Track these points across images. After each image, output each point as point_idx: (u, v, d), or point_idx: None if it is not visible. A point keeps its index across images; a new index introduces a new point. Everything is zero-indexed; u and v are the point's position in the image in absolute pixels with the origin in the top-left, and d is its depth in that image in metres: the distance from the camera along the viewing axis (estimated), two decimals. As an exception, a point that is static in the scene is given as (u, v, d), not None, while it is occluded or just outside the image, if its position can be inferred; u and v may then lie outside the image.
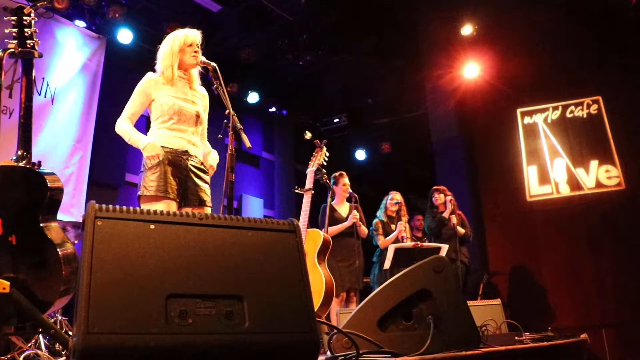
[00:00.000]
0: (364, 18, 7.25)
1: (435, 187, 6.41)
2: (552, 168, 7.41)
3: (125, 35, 6.87)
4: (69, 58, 6.50)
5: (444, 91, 8.09)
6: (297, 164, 9.52)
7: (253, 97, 8.34)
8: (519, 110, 7.82)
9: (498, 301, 4.63)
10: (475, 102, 7.99)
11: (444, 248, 5.33)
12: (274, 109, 9.09)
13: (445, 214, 6.13)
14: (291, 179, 9.25)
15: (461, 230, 6.07)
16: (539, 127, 7.63)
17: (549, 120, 7.58)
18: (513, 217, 7.58)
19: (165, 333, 1.44)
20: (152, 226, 1.57)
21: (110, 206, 1.58)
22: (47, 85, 6.21)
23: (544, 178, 7.45)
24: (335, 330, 2.15)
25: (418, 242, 5.40)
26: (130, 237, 1.54)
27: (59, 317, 4.39)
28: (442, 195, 6.29)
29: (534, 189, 7.50)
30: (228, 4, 6.85)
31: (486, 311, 4.33)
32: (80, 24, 6.74)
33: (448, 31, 7.88)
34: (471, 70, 7.90)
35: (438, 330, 2.50)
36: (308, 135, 9.50)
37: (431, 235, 6.31)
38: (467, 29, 7.78)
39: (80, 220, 5.43)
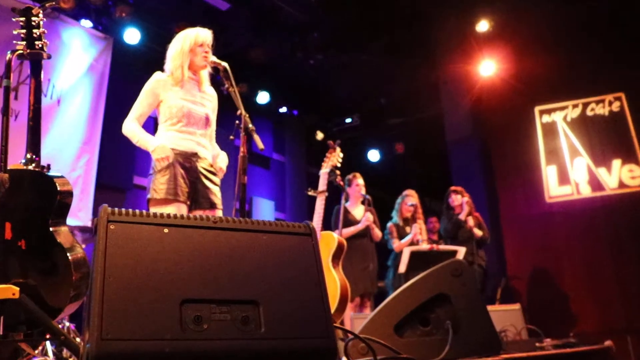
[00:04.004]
0: (377, 15, 7.24)
1: (452, 187, 6.39)
2: (572, 168, 7.36)
3: (132, 35, 6.92)
4: (75, 59, 6.55)
5: (459, 89, 8.06)
6: (308, 165, 9.52)
7: (263, 97, 8.37)
8: (537, 109, 7.78)
9: (517, 306, 4.61)
10: (492, 101, 7.96)
11: (461, 251, 5.32)
12: (284, 110, 9.10)
13: (462, 216, 6.11)
14: (302, 181, 9.26)
15: (478, 232, 6.05)
16: (558, 126, 7.58)
17: (568, 119, 7.53)
18: (532, 218, 7.53)
19: (180, 339, 1.45)
20: (166, 230, 1.58)
21: (123, 210, 1.59)
22: (53, 86, 6.27)
23: (563, 178, 7.40)
24: (352, 336, 2.15)
25: (434, 245, 5.39)
26: (144, 241, 1.55)
27: (67, 324, 4.41)
28: (458, 197, 6.27)
29: (554, 189, 7.45)
30: (237, 2, 6.88)
31: (505, 316, 4.32)
32: (87, 23, 6.78)
33: (463, 27, 7.85)
34: (487, 67, 7.87)
35: (457, 336, 2.50)
36: (320, 135, 9.51)
37: (447, 237, 6.30)
38: (482, 25, 7.75)
39: (88, 224, 5.51)
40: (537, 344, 3.39)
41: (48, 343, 3.43)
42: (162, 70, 3.35)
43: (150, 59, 7.09)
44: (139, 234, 1.56)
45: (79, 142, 6.43)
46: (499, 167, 8.00)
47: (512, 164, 7.84)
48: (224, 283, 1.56)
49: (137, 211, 1.61)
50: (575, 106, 7.50)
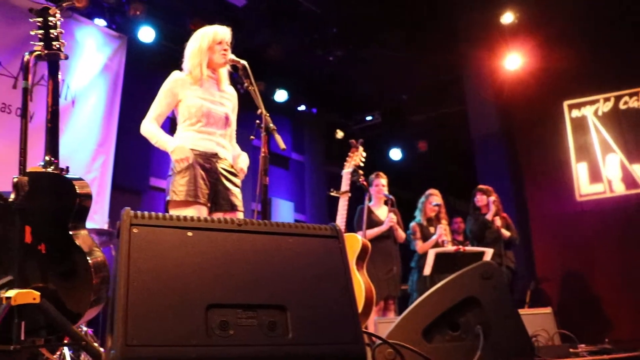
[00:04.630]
0: (398, 9, 7.21)
1: (479, 186, 6.35)
2: (604, 165, 7.26)
3: (146, 34, 6.97)
4: (90, 58, 6.62)
5: (484, 84, 8.01)
6: (328, 165, 9.51)
7: (281, 96, 8.37)
8: (565, 103, 7.69)
9: (549, 309, 4.56)
10: (518, 96, 7.88)
11: (488, 252, 5.28)
12: (303, 108, 9.09)
13: (489, 216, 6.07)
14: (322, 181, 9.25)
15: (506, 233, 6.00)
16: (589, 121, 7.49)
17: (599, 113, 7.43)
18: (562, 218, 7.45)
19: (206, 345, 1.46)
20: (190, 233, 1.59)
21: (146, 213, 1.61)
22: (68, 87, 6.34)
23: (595, 176, 7.31)
24: (380, 341, 2.14)
25: (460, 246, 5.35)
26: (167, 245, 1.56)
27: (84, 328, 4.46)
28: (484, 197, 6.23)
29: (585, 187, 7.36)
30: (254, -3, 6.91)
31: (536, 320, 4.27)
32: (100, 22, 6.86)
33: (487, 20, 7.78)
34: (513, 61, 7.80)
35: (488, 341, 2.48)
36: (340, 134, 9.49)
37: (473, 238, 6.26)
38: (507, 17, 7.68)
39: (104, 226, 5.56)
40: (571, 350, 3.35)
41: (66, 348, 3.48)
42: (178, 68, 3.36)
43: (165, 57, 7.16)
44: (162, 237, 1.57)
45: (94, 144, 6.50)
46: (526, 164, 7.93)
47: (541, 161, 7.76)
48: (249, 287, 1.57)
49: (160, 214, 1.62)
50: (606, 100, 7.40)
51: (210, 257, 1.57)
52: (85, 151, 6.37)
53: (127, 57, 7.02)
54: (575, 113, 7.60)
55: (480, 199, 6.25)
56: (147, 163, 7.06)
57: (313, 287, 1.63)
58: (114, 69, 6.90)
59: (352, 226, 5.28)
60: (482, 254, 5.25)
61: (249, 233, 1.64)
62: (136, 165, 6.97)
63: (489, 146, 7.92)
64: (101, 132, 6.59)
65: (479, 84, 8.03)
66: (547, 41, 7.49)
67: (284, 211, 8.57)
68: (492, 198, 6.14)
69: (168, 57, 7.10)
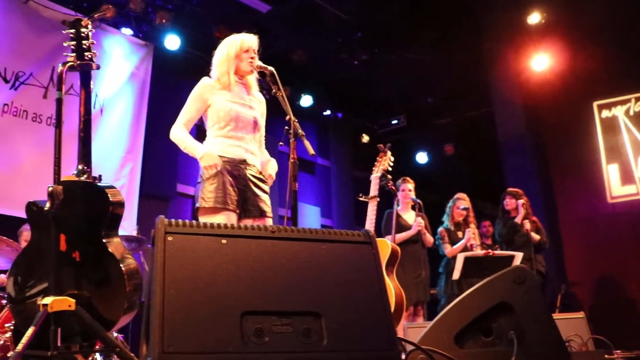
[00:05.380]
0: (422, 11, 7.19)
1: (508, 189, 6.28)
2: (636, 166, 7.13)
3: (172, 41, 7.05)
4: (117, 67, 6.73)
5: (511, 86, 7.94)
6: (354, 169, 9.51)
7: (306, 101, 8.41)
8: (595, 104, 7.58)
9: (581, 314, 4.48)
10: (546, 97, 7.80)
11: (518, 256, 5.21)
12: (328, 112, 9.12)
13: (518, 219, 6.00)
14: (349, 186, 9.25)
15: (536, 236, 5.93)
16: (620, 121, 7.37)
17: (631, 113, 7.30)
18: (593, 220, 7.34)
19: (242, 352, 1.47)
20: (224, 241, 1.61)
21: (180, 220, 1.63)
22: (96, 95, 6.45)
23: (627, 177, 7.18)
24: (414, 347, 2.13)
25: (489, 251, 5.30)
26: (202, 252, 1.58)
27: (114, 334, 4.52)
28: (513, 200, 6.16)
29: (616, 189, 7.24)
30: (277, 3, 6.94)
31: (568, 325, 4.20)
32: (127, 31, 6.96)
33: (513, 20, 7.72)
34: (540, 62, 7.72)
35: (521, 346, 2.45)
36: (365, 138, 9.49)
37: (502, 242, 6.19)
38: (534, 17, 7.60)
39: (133, 233, 5.63)
40: (607, 356, 3.29)
41: (97, 355, 3.53)
42: (203, 75, 3.39)
43: (190, 64, 7.24)
44: (196, 245, 1.59)
45: (122, 151, 6.59)
46: (555, 166, 7.83)
47: (570, 163, 7.66)
48: (284, 294, 1.58)
49: (194, 222, 1.64)
50: (638, 99, 7.28)
51: (244, 264, 1.58)
52: (114, 159, 6.47)
53: (154, 64, 7.13)
54: (606, 113, 7.49)
55: (509, 203, 6.19)
56: (174, 170, 7.14)
57: (347, 293, 1.63)
58: (141, 77, 7.00)
59: (379, 231, 5.27)
60: (511, 257, 5.18)
61: (282, 240, 1.65)
62: (163, 172, 7.05)
63: (517, 148, 7.84)
64: (129, 140, 6.69)
65: (506, 86, 7.96)
66: (575, 41, 7.40)
67: (310, 216, 8.59)
68: (522, 201, 6.07)
69: (193, 64, 7.19)
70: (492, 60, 8.05)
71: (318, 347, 1.53)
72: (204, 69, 3.47)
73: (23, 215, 5.17)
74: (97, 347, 3.02)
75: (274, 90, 3.08)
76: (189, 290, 1.51)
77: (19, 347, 2.10)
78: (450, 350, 2.43)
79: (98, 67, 2.69)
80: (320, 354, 1.53)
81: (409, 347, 2.19)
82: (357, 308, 1.62)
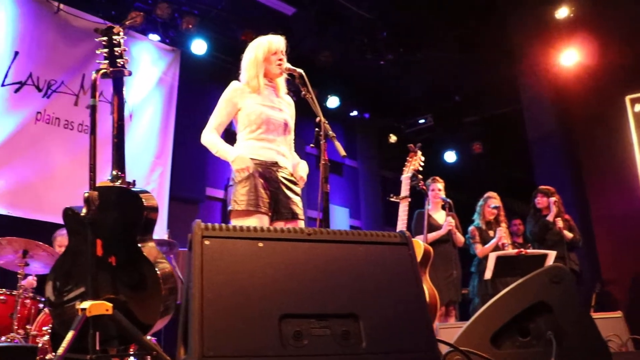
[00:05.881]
0: (448, 9, 7.13)
1: (539, 187, 6.19)
2: (671, 160, 6.98)
3: (199, 46, 7.13)
4: (145, 73, 6.83)
5: (540, 82, 7.81)
6: (382, 169, 9.48)
7: (333, 102, 8.42)
8: (627, 98, 7.42)
9: (619, 314, 4.40)
10: (576, 92, 7.66)
11: (551, 255, 5.13)
12: (355, 113, 9.13)
13: (550, 217, 5.92)
14: (377, 186, 9.23)
15: (568, 234, 5.84)
16: (653, 115, 7.21)
17: (665, 106, 7.15)
18: (627, 217, 7.17)
19: (281, 355, 1.47)
20: (261, 244, 1.61)
21: (217, 224, 1.63)
22: (125, 101, 6.53)
23: (662, 172, 7.02)
24: (451, 348, 2.11)
25: (521, 249, 5.23)
26: (239, 256, 1.58)
27: (148, 337, 4.56)
28: (545, 198, 6.07)
29: (651, 184, 7.08)
30: (302, 5, 6.95)
31: (606, 325, 4.12)
32: (154, 37, 7.07)
33: (541, 15, 7.60)
34: (569, 56, 7.59)
35: (561, 347, 2.41)
36: (393, 138, 9.46)
37: (534, 241, 6.11)
38: (562, 12, 7.48)
39: (164, 237, 5.69)
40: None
41: (132, 358, 3.56)
42: (230, 79, 3.41)
43: (217, 68, 7.32)
44: (234, 249, 1.59)
45: (152, 156, 6.68)
46: (587, 163, 7.69)
47: (602, 159, 7.51)
48: (322, 297, 1.57)
49: (230, 225, 1.64)
50: (672, 92, 7.12)
51: (281, 267, 1.58)
52: (144, 163, 6.55)
53: (181, 69, 7.21)
54: (639, 107, 7.33)
55: (540, 201, 6.10)
56: (203, 173, 7.20)
57: (385, 295, 1.62)
58: (169, 82, 7.09)
59: (409, 231, 5.23)
60: (544, 256, 5.11)
61: (319, 242, 1.64)
62: (193, 176, 7.11)
63: (547, 145, 7.71)
64: (158, 144, 6.77)
65: (535, 82, 7.84)
66: (605, 34, 7.26)
67: (339, 217, 8.59)
68: (553, 199, 5.98)
69: (220, 68, 7.27)
70: (519, 56, 7.93)
71: (357, 349, 1.52)
72: (231, 73, 3.49)
73: (56, 220, 5.31)
74: (130, 350, 3.06)
75: (303, 92, 3.08)
76: (227, 294, 1.52)
77: (60, 350, 2.13)
78: (486, 351, 2.40)
79: (130, 74, 2.73)
80: (360, 356, 1.52)
81: (443, 348, 2.17)
82: (396, 310, 1.61)
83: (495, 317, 2.54)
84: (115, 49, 2.67)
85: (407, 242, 1.73)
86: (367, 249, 1.68)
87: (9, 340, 3.94)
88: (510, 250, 5.35)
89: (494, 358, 2.31)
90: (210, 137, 3.26)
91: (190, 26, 6.92)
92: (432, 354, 1.57)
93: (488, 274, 5.11)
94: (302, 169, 3.35)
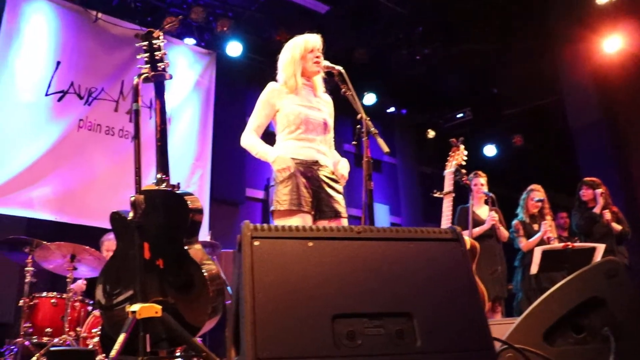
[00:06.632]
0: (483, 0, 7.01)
1: (584, 179, 6.03)
2: None
3: (234, 48, 7.18)
4: (182, 77, 6.91)
5: (581, 70, 7.62)
6: (421, 165, 9.40)
7: (370, 99, 8.39)
8: (675, 83, 7.19)
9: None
10: (620, 79, 7.44)
11: (600, 248, 4.99)
12: (392, 109, 9.08)
13: (597, 210, 5.76)
14: (416, 183, 9.16)
15: (617, 227, 5.67)
16: (703, 101, 6.96)
17: None
18: (677, 207, 6.96)
19: (335, 356, 1.45)
20: (310, 243, 1.59)
21: (265, 225, 1.63)
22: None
23: None
24: (505, 346, 2.06)
25: (568, 243, 5.10)
26: (289, 256, 1.57)
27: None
28: (590, 190, 5.91)
29: (703, 173, 6.84)
30: (335, 3, 6.93)
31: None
32: (190, 41, 7.15)
33: (582, 1, 7.40)
34: (612, 43, 7.37)
35: (618, 343, 2.33)
36: (431, 134, 9.37)
37: (581, 234, 5.95)
38: (604, -3, 7.28)
39: (206, 239, 5.74)
40: None
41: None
42: (266, 80, 3.40)
43: (253, 69, 7.37)
44: (283, 249, 1.58)
45: (192, 159, 6.76)
46: (633, 152, 7.46)
47: (650, 148, 7.29)
48: (374, 295, 1.55)
49: (279, 225, 1.63)
50: None
51: (332, 266, 1.57)
52: (184, 166, 6.63)
53: (217, 72, 7.28)
54: (686, 94, 7.09)
55: (585, 193, 5.94)
56: (243, 174, 7.24)
57: (438, 292, 1.59)
58: (205, 85, 7.16)
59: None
60: (592, 250, 4.97)
61: (369, 240, 1.62)
62: (232, 177, 7.16)
63: (591, 136, 7.53)
64: (197, 147, 6.85)
65: (577, 70, 7.65)
66: (650, 19, 7.04)
67: (379, 215, 8.53)
68: (600, 190, 5.82)
69: (256, 69, 7.31)
70: (561, 44, 7.74)
71: (412, 348, 1.50)
72: (267, 73, 3.48)
73: (101, 225, 5.41)
74: (177, 352, 3.09)
75: (343, 90, 3.05)
76: (278, 295, 1.51)
77: (113, 353, 2.16)
78: (539, 348, 2.33)
79: (171, 77, 2.76)
80: (415, 355, 1.49)
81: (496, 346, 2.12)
82: (450, 307, 1.57)
83: (548, 313, 2.48)
84: (156, 53, 2.70)
85: (458, 238, 1.69)
86: (418, 246, 1.65)
87: (61, 341, 4.05)
88: (556, 244, 5.23)
89: (549, 355, 2.25)
90: (250, 139, 3.26)
91: (225, 29, 6.97)
92: (489, 353, 1.53)
93: (534, 269, 5.00)
94: (343, 166, 3.33)
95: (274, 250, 1.57)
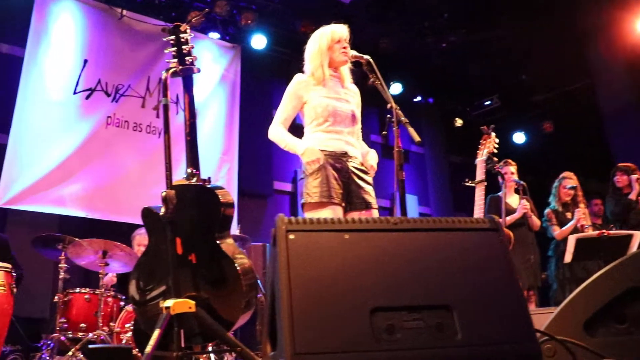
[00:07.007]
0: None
1: (619, 165, 5.88)
2: None
3: (259, 41, 7.17)
4: (207, 71, 6.92)
5: (613, 53, 7.42)
6: (449, 154, 9.31)
7: (396, 88, 8.32)
8: None
9: None
10: (654, 60, 7.23)
11: (637, 235, 4.87)
12: (419, 99, 8.99)
13: (632, 196, 5.62)
14: (444, 172, 9.07)
15: (654, 213, 5.54)
16: None
17: None
18: None
19: (374, 350, 1.42)
20: (346, 236, 1.56)
21: (300, 218, 1.60)
22: (193, 99, 6.66)
23: None
24: (544, 337, 2.01)
25: (603, 230, 4.99)
26: (325, 249, 1.54)
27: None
28: (625, 176, 5.77)
29: None
30: (359, -8, 6.87)
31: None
32: (214, 35, 7.16)
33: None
34: (646, 22, 7.17)
35: (664, 333, 2.26)
36: (459, 122, 9.25)
37: (615, 221, 5.82)
38: (637, -25, 7.07)
39: (235, 232, 5.76)
40: None
41: (212, 356, 3.61)
42: (291, 72, 3.38)
43: (278, 62, 7.35)
44: (319, 241, 1.56)
45: (219, 153, 6.78)
46: (668, 135, 7.27)
47: (684, 130, 7.09)
48: (412, 288, 1.52)
49: (314, 218, 1.61)
50: None
51: (369, 258, 1.54)
52: (211, 161, 6.65)
53: (242, 65, 7.28)
54: None
55: (620, 179, 5.80)
56: (270, 167, 7.24)
57: (478, 283, 1.55)
58: (231, 79, 7.17)
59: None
60: (629, 237, 4.86)
61: (406, 231, 1.59)
62: (260, 170, 7.17)
63: (624, 120, 7.34)
64: (224, 141, 6.87)
65: (607, 53, 7.45)
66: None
67: (408, 205, 8.44)
68: (635, 176, 5.67)
69: (281, 61, 7.29)
70: (589, 27, 7.54)
71: (453, 341, 1.46)
72: (292, 65, 3.46)
73: (132, 221, 5.45)
74: (209, 346, 3.10)
75: (371, 79, 3.02)
76: (315, 289, 1.48)
77: (148, 348, 2.16)
78: (580, 338, 2.27)
79: (199, 70, 2.76)
80: (456, 349, 1.45)
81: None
82: (490, 298, 1.53)
83: (588, 303, 2.41)
84: (184, 47, 2.69)
85: (497, 227, 1.65)
86: (455, 237, 1.61)
87: (95, 336, 4.10)
88: (591, 232, 5.12)
89: (591, 346, 2.19)
90: (278, 132, 3.25)
91: (249, 22, 6.95)
92: (532, 345, 1.49)
93: (568, 257, 4.91)
94: (372, 157, 3.30)
95: (309, 244, 1.55)
